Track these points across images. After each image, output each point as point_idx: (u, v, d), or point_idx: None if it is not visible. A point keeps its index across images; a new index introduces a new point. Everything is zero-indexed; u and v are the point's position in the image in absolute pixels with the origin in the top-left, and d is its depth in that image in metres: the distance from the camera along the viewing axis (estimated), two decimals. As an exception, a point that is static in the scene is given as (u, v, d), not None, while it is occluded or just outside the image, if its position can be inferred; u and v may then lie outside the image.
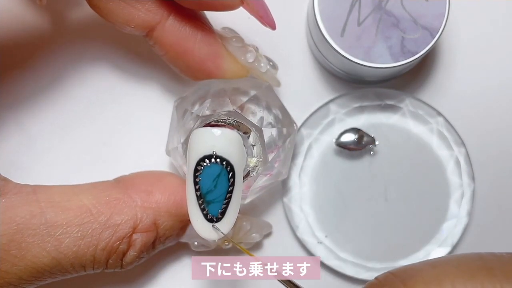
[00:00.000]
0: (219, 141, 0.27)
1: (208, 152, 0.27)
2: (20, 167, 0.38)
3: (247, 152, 0.30)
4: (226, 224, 0.28)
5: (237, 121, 0.31)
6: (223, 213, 0.28)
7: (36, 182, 0.31)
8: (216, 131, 0.27)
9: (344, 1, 0.34)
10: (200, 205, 0.28)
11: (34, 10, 0.38)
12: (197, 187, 0.27)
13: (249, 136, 0.31)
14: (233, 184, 0.27)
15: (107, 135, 0.38)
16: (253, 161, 0.31)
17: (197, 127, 0.30)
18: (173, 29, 0.31)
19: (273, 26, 0.32)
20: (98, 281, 0.38)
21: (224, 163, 0.27)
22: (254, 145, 0.31)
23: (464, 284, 0.26)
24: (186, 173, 0.28)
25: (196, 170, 0.27)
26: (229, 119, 0.30)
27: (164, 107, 0.38)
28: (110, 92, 0.39)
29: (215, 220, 0.28)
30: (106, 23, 0.31)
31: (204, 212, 0.28)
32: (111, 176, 0.34)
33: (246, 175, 0.31)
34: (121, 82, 0.39)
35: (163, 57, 0.33)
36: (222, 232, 0.28)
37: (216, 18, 0.35)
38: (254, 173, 0.31)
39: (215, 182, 0.27)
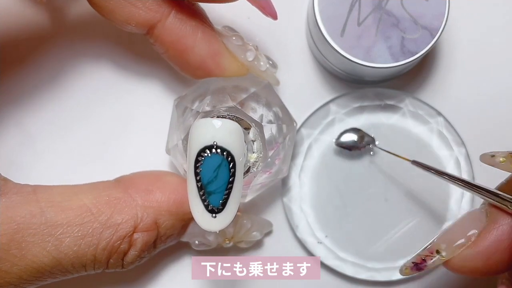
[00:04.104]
0: (220, 131, 0.27)
1: (209, 142, 0.27)
2: (20, 167, 0.38)
3: (247, 148, 0.30)
4: (227, 215, 0.28)
5: (237, 117, 0.31)
6: (224, 204, 0.28)
7: (36, 182, 0.31)
8: (217, 122, 0.27)
9: (344, 1, 0.34)
10: (201, 196, 0.27)
11: (34, 8, 0.38)
12: (198, 178, 0.27)
13: (249, 132, 0.31)
14: (233, 175, 0.27)
15: (107, 134, 0.38)
16: (253, 157, 0.31)
17: None
18: (173, 27, 0.31)
19: (274, 16, 0.32)
20: (98, 281, 0.38)
21: (224, 153, 0.27)
22: (254, 141, 0.31)
23: None
24: (187, 164, 0.28)
25: (197, 161, 0.27)
26: (229, 115, 0.30)
27: (164, 106, 0.38)
28: (110, 91, 0.38)
29: (216, 211, 0.28)
30: (106, 21, 0.31)
31: (205, 203, 0.27)
32: (111, 175, 0.34)
33: (247, 171, 0.31)
34: (121, 80, 0.39)
35: (164, 55, 0.33)
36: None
37: (217, 18, 0.35)
38: (255, 169, 0.31)
39: (216, 172, 0.27)
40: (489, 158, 0.29)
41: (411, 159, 0.37)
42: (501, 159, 0.29)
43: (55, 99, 0.38)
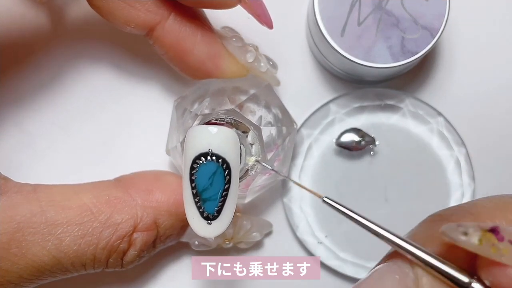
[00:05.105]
0: (215, 139, 0.27)
1: (204, 149, 0.27)
2: (20, 166, 0.38)
3: (245, 151, 0.30)
4: (222, 222, 0.28)
5: (235, 120, 0.31)
6: (219, 211, 0.28)
7: (36, 181, 0.31)
8: (212, 129, 0.27)
9: (344, 1, 0.34)
10: (196, 203, 0.28)
11: (34, 9, 0.38)
12: (193, 185, 0.27)
13: (247, 135, 0.31)
14: (229, 182, 0.27)
15: (107, 134, 0.38)
16: (252, 160, 0.31)
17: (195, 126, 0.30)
18: (173, 29, 0.31)
19: (270, 25, 0.32)
20: (98, 280, 0.38)
21: (220, 160, 0.27)
22: (253, 144, 0.31)
23: None
24: (183, 171, 0.28)
25: (192, 168, 0.27)
26: (227, 118, 0.30)
27: (164, 107, 0.38)
28: (110, 92, 0.39)
29: (211, 218, 0.28)
30: (106, 22, 0.31)
31: (200, 210, 0.28)
32: (111, 175, 0.34)
33: (245, 174, 0.31)
34: (121, 81, 0.39)
35: (163, 56, 0.33)
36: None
37: (216, 18, 0.35)
38: (253, 172, 0.31)
39: (211, 180, 0.27)
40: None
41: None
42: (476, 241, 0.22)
43: (55, 99, 0.38)
